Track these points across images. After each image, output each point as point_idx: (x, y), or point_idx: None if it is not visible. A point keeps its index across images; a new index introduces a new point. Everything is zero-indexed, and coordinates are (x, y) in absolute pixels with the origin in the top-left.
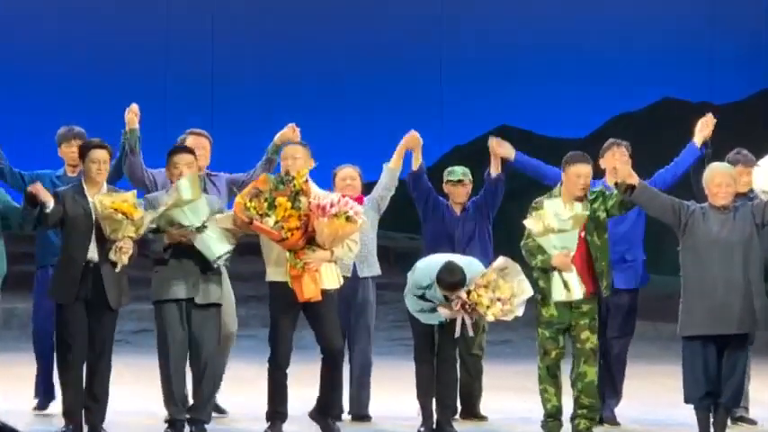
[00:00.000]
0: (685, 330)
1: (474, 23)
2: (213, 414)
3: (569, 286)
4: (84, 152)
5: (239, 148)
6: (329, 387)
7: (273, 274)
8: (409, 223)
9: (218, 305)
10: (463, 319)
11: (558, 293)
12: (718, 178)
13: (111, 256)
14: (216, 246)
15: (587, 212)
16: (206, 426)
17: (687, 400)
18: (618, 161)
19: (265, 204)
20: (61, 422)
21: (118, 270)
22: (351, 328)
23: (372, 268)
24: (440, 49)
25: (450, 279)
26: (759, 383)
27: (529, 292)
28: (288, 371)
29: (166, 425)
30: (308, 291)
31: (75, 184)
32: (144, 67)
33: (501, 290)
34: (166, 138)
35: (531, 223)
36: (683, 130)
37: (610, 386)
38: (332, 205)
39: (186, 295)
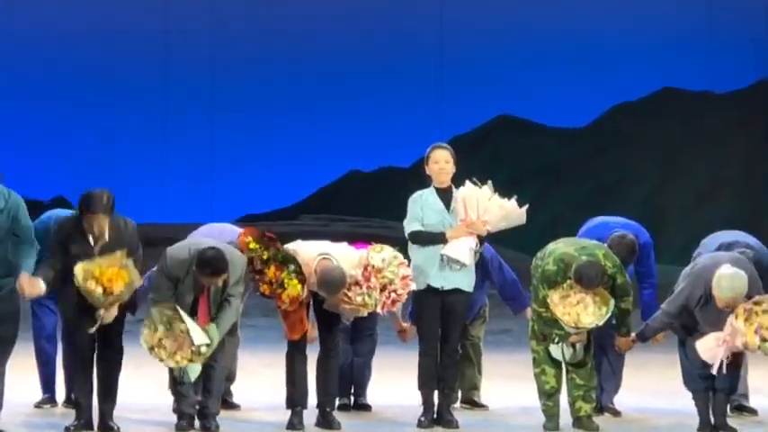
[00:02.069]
0: (687, 387)
1: (474, 12)
2: (224, 408)
3: (576, 352)
4: (82, 208)
5: (239, 145)
6: (324, 378)
7: None
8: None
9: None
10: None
11: (564, 356)
12: (722, 304)
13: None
14: (195, 368)
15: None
16: (217, 418)
17: (687, 387)
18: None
19: (263, 256)
20: (66, 417)
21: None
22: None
23: None
24: (440, 37)
25: (442, 144)
26: (758, 372)
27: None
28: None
29: (176, 417)
30: (294, 331)
31: (76, 223)
32: (143, 58)
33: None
34: (166, 131)
35: (559, 308)
36: (684, 119)
37: (609, 375)
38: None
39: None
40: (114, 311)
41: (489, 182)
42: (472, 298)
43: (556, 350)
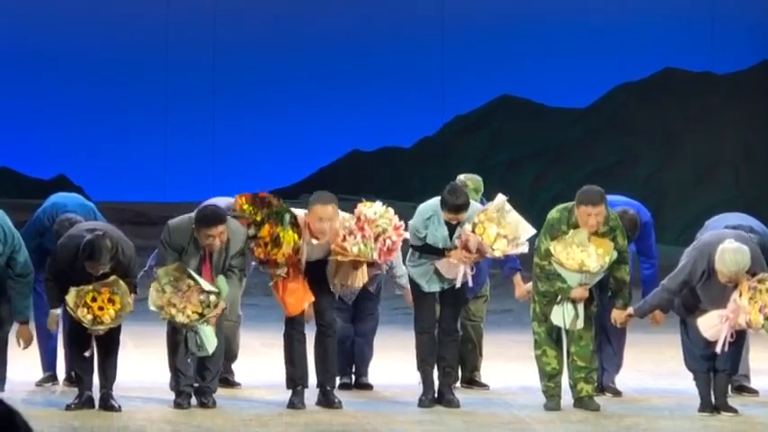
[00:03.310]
0: (689, 367)
1: None
2: (226, 387)
3: (578, 317)
4: (85, 258)
5: (240, 124)
6: (323, 357)
7: None
8: (410, 192)
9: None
10: (465, 271)
11: (566, 322)
12: (725, 278)
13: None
14: (211, 341)
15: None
16: (217, 396)
17: (688, 367)
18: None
19: (257, 217)
20: (67, 395)
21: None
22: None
23: None
24: (441, 19)
25: (456, 200)
26: (759, 354)
27: (531, 230)
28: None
29: (174, 395)
30: (297, 300)
31: (75, 254)
32: (144, 55)
33: (504, 227)
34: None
35: (562, 254)
36: (685, 100)
37: (610, 355)
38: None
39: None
40: (106, 329)
41: (500, 195)
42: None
43: (557, 314)
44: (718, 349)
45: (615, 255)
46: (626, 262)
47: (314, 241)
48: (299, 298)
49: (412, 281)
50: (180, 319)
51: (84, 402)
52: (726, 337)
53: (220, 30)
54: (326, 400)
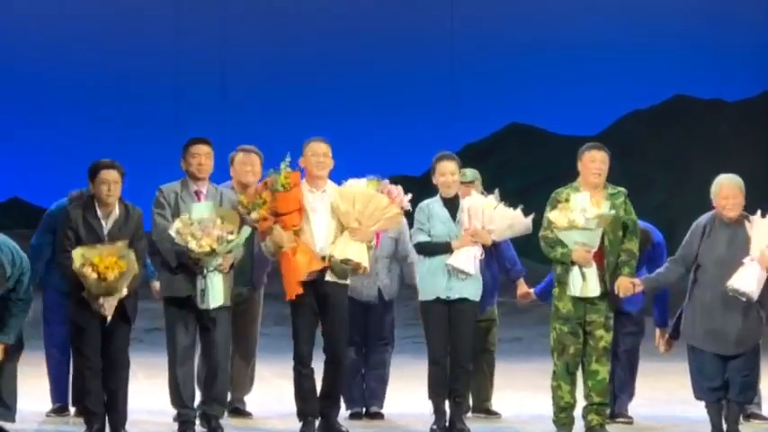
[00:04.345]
0: (688, 340)
1: (485, 21)
2: (237, 417)
3: (587, 282)
4: (93, 173)
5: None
6: (329, 389)
7: None
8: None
9: (227, 306)
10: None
11: (575, 288)
12: (726, 190)
13: (95, 308)
14: (217, 296)
15: (613, 212)
16: (228, 427)
17: (697, 397)
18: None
19: (258, 200)
20: (78, 425)
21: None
22: (369, 328)
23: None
24: (451, 49)
25: (448, 155)
26: None
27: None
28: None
29: (177, 423)
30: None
31: (86, 204)
32: (153, 59)
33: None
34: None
35: (555, 216)
36: (695, 127)
37: (623, 383)
38: (398, 194)
39: (194, 294)
40: (114, 303)
41: (496, 191)
42: (485, 290)
43: (573, 282)
44: (756, 296)
45: (608, 208)
46: (637, 235)
47: (314, 191)
48: (310, 259)
49: (423, 303)
50: (192, 246)
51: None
52: (757, 275)
53: (228, 53)
54: (332, 430)
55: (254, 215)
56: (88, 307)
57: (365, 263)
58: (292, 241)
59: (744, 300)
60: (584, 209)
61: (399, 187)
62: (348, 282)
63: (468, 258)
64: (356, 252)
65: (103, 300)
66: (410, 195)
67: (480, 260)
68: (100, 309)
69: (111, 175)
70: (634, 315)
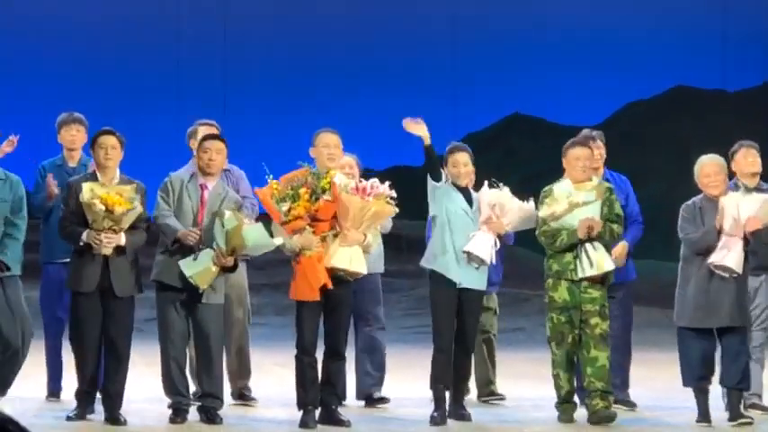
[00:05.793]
0: (679, 321)
1: (487, 11)
2: (240, 402)
3: (600, 256)
4: (92, 139)
5: (249, 143)
6: (329, 380)
7: None
8: (422, 211)
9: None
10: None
11: (587, 269)
12: (707, 168)
13: (93, 244)
14: (201, 272)
15: (605, 183)
16: (229, 416)
17: (685, 384)
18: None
19: (290, 191)
20: (72, 407)
21: (108, 254)
22: (362, 314)
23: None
24: (453, 38)
25: (460, 146)
26: None
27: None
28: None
29: (170, 411)
30: (316, 279)
31: (89, 173)
32: (156, 53)
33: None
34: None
35: (547, 209)
36: (697, 118)
37: (616, 370)
38: (372, 187)
39: (186, 285)
40: (114, 241)
41: (506, 188)
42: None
43: (581, 265)
44: (740, 269)
45: (596, 181)
46: (621, 223)
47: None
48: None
49: (433, 284)
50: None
51: (86, 413)
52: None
53: (230, 52)
54: (332, 419)
55: (283, 206)
56: (88, 299)
57: (360, 269)
58: (319, 246)
59: (727, 275)
60: (570, 193)
61: (373, 179)
62: (364, 272)
63: (485, 247)
64: (348, 259)
65: (105, 237)
66: (387, 183)
67: (495, 250)
68: (100, 246)
69: (108, 141)
70: (619, 299)
